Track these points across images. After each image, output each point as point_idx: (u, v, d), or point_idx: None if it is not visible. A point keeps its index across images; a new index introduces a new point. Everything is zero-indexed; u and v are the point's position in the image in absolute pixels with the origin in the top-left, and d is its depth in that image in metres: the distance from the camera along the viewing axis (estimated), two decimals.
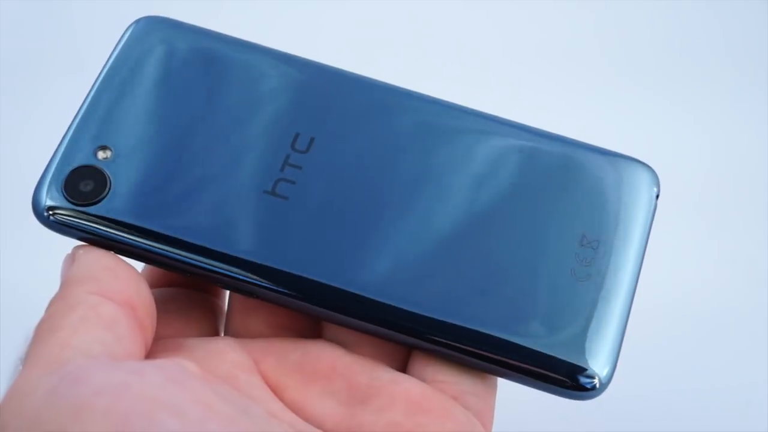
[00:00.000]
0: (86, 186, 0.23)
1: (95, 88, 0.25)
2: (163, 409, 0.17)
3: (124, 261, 0.23)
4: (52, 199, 0.23)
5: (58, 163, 0.24)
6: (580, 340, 0.21)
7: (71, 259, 0.23)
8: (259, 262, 0.22)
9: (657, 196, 0.23)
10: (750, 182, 0.47)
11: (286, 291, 0.22)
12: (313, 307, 0.22)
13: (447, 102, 0.25)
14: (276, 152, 0.24)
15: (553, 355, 0.21)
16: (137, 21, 0.26)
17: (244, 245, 0.23)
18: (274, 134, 0.24)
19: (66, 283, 0.22)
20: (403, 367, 0.24)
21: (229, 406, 0.19)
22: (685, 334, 0.39)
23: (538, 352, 0.21)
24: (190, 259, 0.23)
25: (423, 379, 0.23)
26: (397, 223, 0.23)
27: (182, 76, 0.25)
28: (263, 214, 0.23)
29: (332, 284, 0.22)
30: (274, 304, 0.23)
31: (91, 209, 0.23)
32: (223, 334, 0.25)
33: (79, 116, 0.24)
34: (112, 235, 0.23)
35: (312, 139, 0.24)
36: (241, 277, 0.22)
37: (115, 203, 0.23)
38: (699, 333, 0.39)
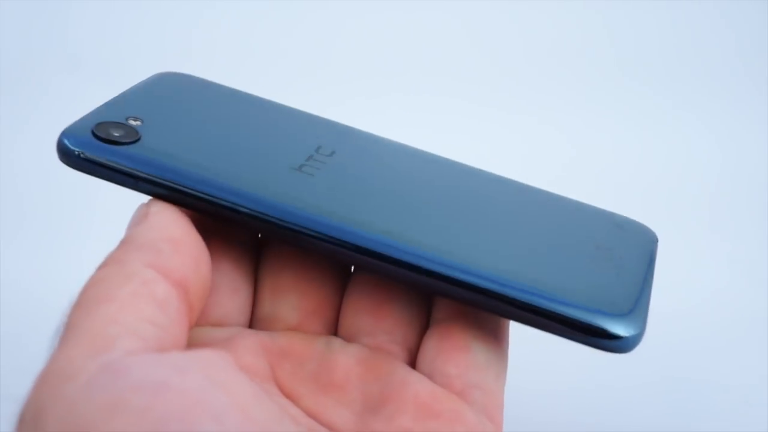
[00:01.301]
0: (116, 132, 0.24)
1: (122, 92, 0.26)
2: (201, 413, 0.17)
3: (193, 231, 0.22)
4: (79, 136, 0.23)
5: (88, 117, 0.24)
6: (610, 297, 0.22)
7: (144, 212, 0.22)
8: (278, 202, 0.23)
9: (656, 242, 0.26)
10: (755, 185, 0.47)
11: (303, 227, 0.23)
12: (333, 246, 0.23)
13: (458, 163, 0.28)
14: (301, 150, 0.26)
15: (587, 307, 0.22)
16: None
17: (268, 189, 0.23)
18: (299, 140, 0.26)
19: (128, 242, 0.21)
20: (413, 357, 0.24)
21: (266, 413, 0.18)
22: (686, 334, 0.39)
23: (573, 303, 0.22)
24: (216, 197, 0.23)
25: (431, 373, 0.23)
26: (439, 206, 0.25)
27: (214, 101, 0.27)
28: (290, 178, 0.24)
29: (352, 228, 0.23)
30: (293, 242, 0.23)
31: (120, 148, 0.23)
32: (250, 319, 0.25)
33: (103, 104, 0.25)
34: (136, 173, 0.23)
35: (333, 151, 0.26)
36: (263, 214, 0.23)
37: (143, 148, 0.24)
38: (699, 333, 0.39)
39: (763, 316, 0.40)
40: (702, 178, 0.48)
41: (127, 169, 0.23)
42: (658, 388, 0.36)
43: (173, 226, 0.22)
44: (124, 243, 0.21)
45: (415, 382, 0.22)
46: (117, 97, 0.26)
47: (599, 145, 0.49)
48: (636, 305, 0.22)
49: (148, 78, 0.27)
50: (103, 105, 0.25)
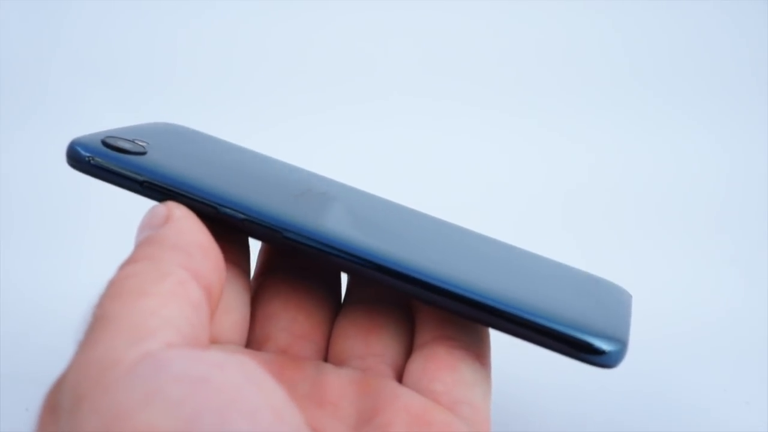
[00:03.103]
0: (124, 144, 0.25)
1: (123, 127, 0.27)
2: (236, 410, 0.17)
3: (214, 240, 0.23)
4: (90, 145, 0.25)
5: (95, 134, 0.26)
6: (594, 319, 0.24)
7: (164, 215, 0.23)
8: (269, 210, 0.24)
9: (631, 298, 0.27)
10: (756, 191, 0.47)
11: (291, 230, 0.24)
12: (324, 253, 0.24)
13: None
14: (296, 187, 0.27)
15: (575, 324, 0.23)
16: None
17: (267, 198, 0.25)
18: (293, 182, 0.28)
19: (158, 241, 0.21)
20: (400, 374, 0.24)
21: (295, 417, 0.18)
22: (686, 334, 0.39)
23: (563, 321, 0.23)
24: (216, 203, 0.24)
25: (419, 389, 0.23)
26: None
27: (212, 146, 0.29)
28: (288, 199, 0.26)
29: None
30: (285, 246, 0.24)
31: (128, 156, 0.25)
32: (246, 342, 0.25)
33: (110, 129, 0.27)
34: (143, 177, 0.24)
35: (325, 192, 0.28)
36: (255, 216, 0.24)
37: (149, 159, 0.25)
38: (699, 333, 0.39)
39: (758, 313, 0.40)
40: (710, 185, 0.48)
41: (134, 175, 0.24)
42: (657, 388, 0.36)
43: (200, 233, 0.22)
44: (152, 241, 0.21)
45: (406, 395, 0.23)
46: (120, 128, 0.27)
47: (605, 151, 0.49)
48: (618, 328, 0.24)
49: (148, 123, 0.29)
50: (108, 130, 0.27)
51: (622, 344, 0.23)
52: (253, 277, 0.27)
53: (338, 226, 0.24)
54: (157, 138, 0.27)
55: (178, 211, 0.23)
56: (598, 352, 0.23)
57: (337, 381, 0.23)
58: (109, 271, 0.21)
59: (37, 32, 0.53)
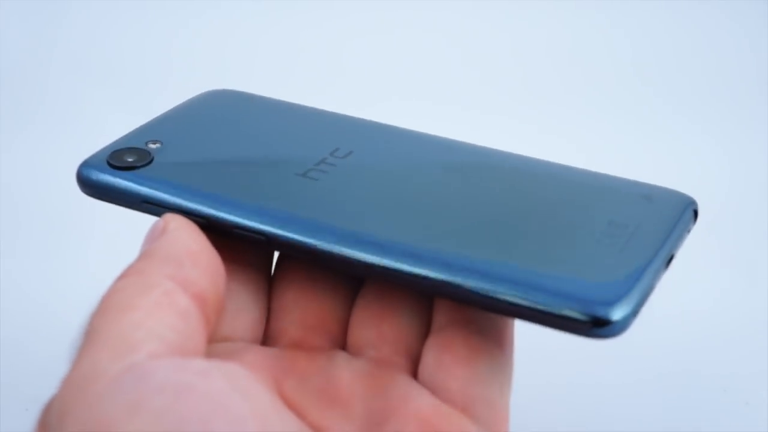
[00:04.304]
0: (130, 157, 0.25)
1: (157, 118, 0.27)
2: (221, 419, 0.17)
3: (210, 246, 0.23)
4: (94, 165, 0.25)
5: (113, 144, 0.26)
6: (597, 281, 0.21)
7: (162, 227, 0.23)
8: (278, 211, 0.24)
9: (691, 207, 0.25)
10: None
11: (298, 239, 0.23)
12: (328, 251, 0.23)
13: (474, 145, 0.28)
14: (314, 154, 0.26)
15: (564, 292, 0.21)
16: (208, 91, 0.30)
17: (267, 203, 0.24)
18: (315, 144, 0.27)
19: (148, 254, 0.22)
20: (417, 360, 0.24)
21: (284, 424, 0.18)
22: (685, 334, 0.39)
23: (549, 289, 0.21)
24: (210, 217, 0.24)
25: (433, 387, 0.22)
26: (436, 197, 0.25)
27: (249, 115, 0.28)
28: (292, 188, 0.25)
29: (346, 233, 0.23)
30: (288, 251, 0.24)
31: (127, 173, 0.25)
32: (262, 338, 0.25)
33: (135, 128, 0.27)
34: (138, 195, 0.24)
35: (350, 152, 0.26)
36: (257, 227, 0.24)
37: (154, 171, 0.25)
38: (699, 334, 0.39)
39: (758, 313, 0.40)
40: (711, 185, 0.48)
41: (129, 193, 0.24)
42: (657, 389, 0.37)
43: (192, 241, 0.22)
44: (144, 255, 0.22)
45: (417, 397, 0.22)
46: (154, 119, 0.27)
47: (605, 152, 0.50)
48: (627, 290, 0.21)
49: (195, 96, 0.29)
50: (135, 129, 0.27)
51: (624, 311, 0.20)
52: (274, 267, 0.27)
53: (335, 221, 0.23)
54: (181, 129, 0.27)
55: (174, 223, 0.23)
56: (594, 323, 0.20)
57: (348, 375, 0.23)
58: (109, 275, 0.21)
59: (37, 33, 0.53)
